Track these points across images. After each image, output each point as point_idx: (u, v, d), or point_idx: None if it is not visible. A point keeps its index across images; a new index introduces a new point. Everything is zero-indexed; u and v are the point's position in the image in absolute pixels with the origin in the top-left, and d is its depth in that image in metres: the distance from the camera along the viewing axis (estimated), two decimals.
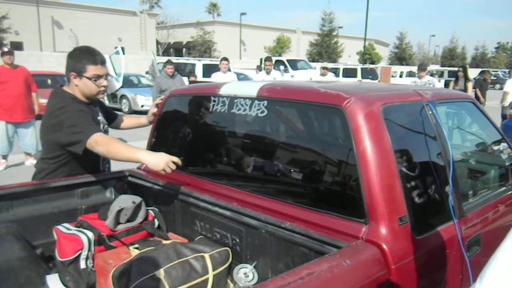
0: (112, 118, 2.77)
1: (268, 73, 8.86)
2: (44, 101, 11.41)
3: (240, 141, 2.15)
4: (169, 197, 2.34)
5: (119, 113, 2.96)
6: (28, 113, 7.04)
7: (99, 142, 2.15)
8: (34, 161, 7.25)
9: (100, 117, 2.54)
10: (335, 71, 24.16)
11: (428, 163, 1.85)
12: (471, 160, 2.38)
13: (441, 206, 1.83)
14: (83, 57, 2.34)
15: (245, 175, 2.11)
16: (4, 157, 7.15)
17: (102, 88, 2.41)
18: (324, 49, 50.50)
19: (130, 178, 2.63)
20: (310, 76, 17.83)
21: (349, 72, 24.44)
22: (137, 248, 2.06)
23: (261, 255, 1.88)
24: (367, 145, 1.60)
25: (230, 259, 1.97)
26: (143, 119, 2.81)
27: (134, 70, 23.01)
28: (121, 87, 11.54)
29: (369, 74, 24.34)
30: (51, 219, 2.28)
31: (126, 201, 2.22)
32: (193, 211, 2.19)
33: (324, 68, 10.85)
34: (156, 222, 2.42)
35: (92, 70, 2.33)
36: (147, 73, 19.43)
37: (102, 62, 2.37)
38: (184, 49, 52.04)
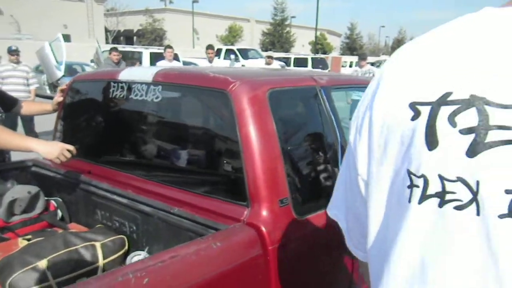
0: (10, 105, 2.63)
1: (210, 61, 8.77)
2: None
3: (136, 127, 2.12)
4: (72, 187, 2.27)
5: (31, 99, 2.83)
6: None
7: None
8: None
9: None
10: (286, 61, 24.39)
11: (317, 148, 1.89)
12: None
13: (327, 189, 1.88)
14: None
15: (141, 162, 2.08)
16: None
17: None
18: (277, 38, 50.75)
19: (34, 168, 2.53)
20: (257, 65, 17.89)
21: (300, 62, 24.72)
22: (29, 239, 1.98)
23: (155, 242, 1.87)
24: (250, 128, 1.61)
25: (126, 247, 1.94)
26: (48, 106, 2.69)
27: (80, 58, 22.13)
28: (63, 76, 11.06)
29: (319, 63, 24.74)
30: None
31: (21, 191, 2.13)
32: (94, 200, 2.14)
33: (269, 57, 10.95)
34: (60, 213, 2.35)
35: None
36: (91, 61, 18.75)
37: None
38: (135, 37, 50.61)
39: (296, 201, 1.66)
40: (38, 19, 36.25)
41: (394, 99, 0.70)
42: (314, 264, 1.71)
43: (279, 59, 24.10)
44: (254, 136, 1.61)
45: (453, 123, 0.62)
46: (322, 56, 31.42)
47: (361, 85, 2.44)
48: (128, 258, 1.88)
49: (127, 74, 2.12)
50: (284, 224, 1.60)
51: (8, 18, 36.17)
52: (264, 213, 1.57)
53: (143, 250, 1.89)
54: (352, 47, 62.65)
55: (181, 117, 1.93)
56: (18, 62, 7.42)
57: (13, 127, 5.68)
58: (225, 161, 1.72)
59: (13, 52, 7.34)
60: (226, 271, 1.38)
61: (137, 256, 1.87)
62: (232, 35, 51.15)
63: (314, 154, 1.88)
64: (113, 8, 49.40)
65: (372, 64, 23.42)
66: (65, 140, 2.51)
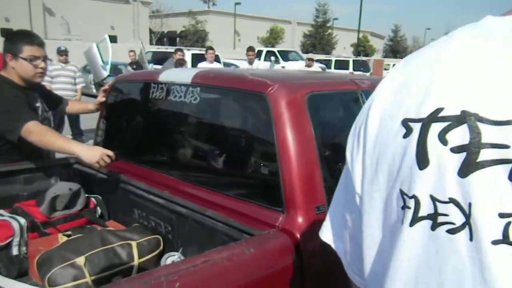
0: (56, 104, 2.72)
1: (250, 63, 8.80)
2: None
3: (174, 128, 2.13)
4: (111, 185, 2.32)
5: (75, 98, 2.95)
6: None
7: (33, 132, 2.11)
8: None
9: (39, 103, 2.49)
10: (327, 63, 24.14)
11: None
12: None
13: None
14: (19, 38, 2.29)
15: (177, 163, 2.09)
16: None
17: (40, 70, 2.34)
18: (318, 40, 50.34)
19: (76, 166, 2.60)
20: (296, 67, 17.78)
21: (341, 64, 24.41)
22: (69, 235, 2.03)
23: (190, 243, 1.87)
24: (287, 133, 1.58)
25: (161, 247, 1.95)
26: (91, 105, 2.76)
27: (125, 58, 22.80)
28: (109, 75, 11.43)
29: (361, 66, 24.33)
30: None
31: (63, 188, 2.19)
32: (132, 199, 2.17)
33: (309, 59, 10.81)
34: (99, 210, 2.40)
35: (28, 50, 2.27)
36: (137, 60, 19.26)
37: (40, 44, 2.32)
38: (178, 39, 51.67)
39: None
40: (87, 20, 37.69)
41: (387, 115, 0.66)
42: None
43: (319, 61, 23.89)
44: (291, 140, 1.57)
45: (444, 141, 0.58)
46: (364, 58, 30.87)
47: None
48: (163, 258, 1.89)
49: (167, 75, 2.14)
50: None
51: (59, 19, 37.85)
52: (300, 220, 1.53)
53: (178, 251, 1.90)
54: (395, 49, 61.25)
55: (218, 119, 1.92)
56: (66, 62, 7.71)
57: (60, 124, 5.90)
58: (261, 165, 1.70)
59: (61, 53, 7.65)
60: (259, 278, 1.35)
61: (172, 257, 1.88)
62: (273, 36, 51.20)
63: None
64: (158, 10, 50.68)
65: None
66: (106, 138, 2.57)
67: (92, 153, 2.05)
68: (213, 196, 1.81)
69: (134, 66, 9.45)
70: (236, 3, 46.35)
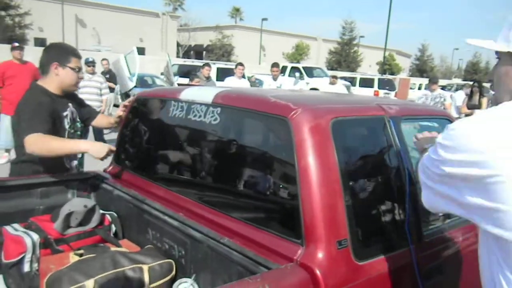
0: (89, 115, 2.81)
1: (274, 79, 8.75)
2: None
3: (192, 148, 2.07)
4: (127, 203, 2.27)
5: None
6: None
7: (33, 143, 2.16)
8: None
9: (68, 112, 2.52)
10: (352, 80, 23.93)
11: (382, 184, 1.72)
12: None
13: (394, 230, 1.70)
14: (67, 50, 2.53)
15: (194, 184, 2.02)
16: (7, 151, 7.21)
17: (79, 80, 2.58)
18: (343, 57, 50.12)
19: (93, 180, 2.56)
20: (323, 84, 17.64)
21: (366, 82, 24.16)
22: (81, 254, 1.98)
23: (203, 270, 1.79)
24: (309, 160, 1.49)
25: (173, 272, 1.88)
26: (112, 120, 2.77)
27: (153, 70, 23.17)
28: (135, 86, 11.60)
29: (386, 84, 24.02)
30: (5, 218, 2.22)
31: (78, 204, 2.15)
32: (146, 219, 2.11)
33: (333, 76, 10.73)
34: (114, 227, 2.35)
35: (75, 61, 2.50)
36: (162, 74, 19.56)
37: (81, 57, 2.59)
38: (204, 52, 52.33)
39: (356, 243, 1.51)
40: (117, 32, 38.62)
41: None
42: None
43: (344, 78, 23.68)
44: (313, 168, 1.48)
45: None
46: (390, 77, 30.52)
47: (435, 116, 2.24)
48: (175, 284, 1.81)
49: (188, 93, 2.09)
50: (342, 268, 1.45)
51: (90, 30, 38.90)
52: (320, 254, 1.43)
53: (190, 278, 1.82)
54: (422, 69, 60.42)
55: (238, 142, 1.85)
56: (93, 73, 7.83)
57: (85, 133, 6.00)
58: (281, 194, 1.61)
59: (89, 64, 7.78)
60: None
61: (184, 283, 1.80)
62: (299, 52, 51.28)
63: (379, 191, 1.71)
64: (186, 24, 51.53)
65: (443, 87, 22.31)
66: (124, 153, 2.53)
67: (99, 148, 2.22)
68: (230, 222, 1.73)
69: (107, 76, 9.49)
70: (263, 19, 46.74)
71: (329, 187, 1.49)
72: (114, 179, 2.46)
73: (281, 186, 1.61)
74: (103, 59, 10.58)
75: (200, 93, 2.04)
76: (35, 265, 2.02)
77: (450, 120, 2.24)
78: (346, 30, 50.96)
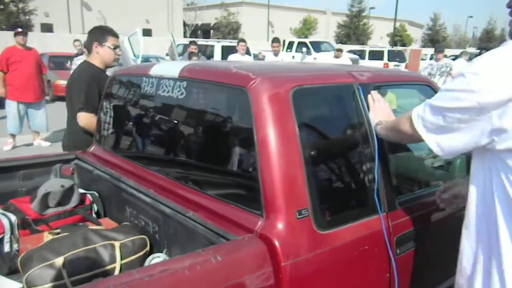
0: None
1: (276, 54, 8.63)
2: (62, 82, 11.48)
3: (161, 124, 2.05)
4: (105, 182, 2.27)
5: None
6: (39, 93, 7.18)
7: (84, 119, 2.75)
8: (42, 142, 7.41)
9: None
10: (361, 53, 23.50)
11: (349, 152, 1.69)
12: (413, 151, 2.17)
13: (362, 198, 1.68)
14: (105, 31, 2.96)
15: (164, 160, 2.01)
16: (13, 136, 7.30)
17: (117, 56, 3.00)
18: (353, 30, 49.16)
19: (77, 161, 2.58)
20: (327, 58, 17.34)
21: (376, 55, 23.70)
22: (58, 233, 2.00)
23: (174, 244, 1.79)
24: (268, 131, 1.46)
25: (147, 248, 1.88)
26: None
27: (159, 51, 23.08)
28: None
29: (396, 56, 23.55)
30: None
31: (55, 184, 2.17)
32: (124, 197, 2.12)
33: (338, 50, 10.51)
34: (96, 207, 2.37)
35: (111, 40, 2.92)
36: (167, 54, 19.49)
37: (117, 36, 3.01)
38: (211, 31, 51.84)
39: (318, 212, 1.49)
40: (122, 14, 38.39)
41: None
42: (335, 286, 1.52)
43: (353, 51, 23.27)
44: (272, 139, 1.45)
45: None
46: (400, 48, 29.89)
47: (413, 82, 2.17)
48: (147, 260, 1.82)
49: (157, 69, 2.06)
50: (302, 238, 1.43)
51: (96, 13, 38.75)
52: (280, 225, 1.42)
53: (163, 252, 1.82)
54: (434, 39, 59.00)
55: (201, 116, 1.82)
56: None
57: None
58: (242, 166, 1.59)
59: None
60: None
61: (156, 258, 1.81)
62: (306, 27, 50.44)
63: (344, 161, 1.68)
64: (193, 2, 50.96)
65: (455, 57, 21.77)
66: (102, 132, 2.53)
67: None
68: (196, 195, 1.72)
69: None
70: None
71: (288, 157, 1.46)
72: (95, 159, 2.46)
73: (242, 158, 1.59)
74: (75, 40, 10.31)
75: (168, 68, 2.00)
76: (15, 245, 2.04)
77: (430, 86, 2.17)
78: (355, 1, 49.84)
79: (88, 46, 2.99)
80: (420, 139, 1.34)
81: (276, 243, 1.38)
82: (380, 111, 1.71)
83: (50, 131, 7.77)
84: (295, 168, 1.46)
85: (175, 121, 1.95)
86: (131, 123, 2.29)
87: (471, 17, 72.28)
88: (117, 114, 2.37)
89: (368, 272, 1.64)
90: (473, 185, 1.30)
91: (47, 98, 7.81)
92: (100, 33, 2.95)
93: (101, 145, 2.52)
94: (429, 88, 2.15)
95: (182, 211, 1.67)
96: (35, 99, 7.12)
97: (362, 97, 1.73)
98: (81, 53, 9.70)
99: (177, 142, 1.95)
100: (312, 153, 1.53)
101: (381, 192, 1.69)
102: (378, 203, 1.66)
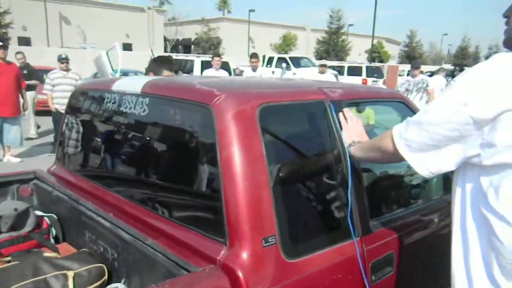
0: None
1: (254, 70, 8.57)
2: (39, 96, 11.13)
3: (122, 143, 1.92)
4: (65, 204, 2.12)
5: None
6: (15, 109, 6.98)
7: None
8: (12, 158, 7.14)
9: None
10: (340, 69, 23.75)
11: (320, 174, 1.59)
12: (388, 170, 2.10)
13: (334, 223, 1.58)
14: (161, 64, 2.94)
15: (125, 181, 1.88)
16: None
17: None
18: (332, 47, 49.85)
19: (36, 181, 2.41)
20: (309, 73, 17.45)
21: (354, 70, 24.02)
22: (9, 261, 1.84)
23: (134, 273, 1.66)
24: (232, 150, 1.35)
25: (105, 277, 1.73)
26: None
27: (140, 66, 22.89)
28: None
29: (374, 72, 23.92)
30: None
31: (7, 207, 2.01)
32: (82, 220, 1.97)
33: (322, 65, 10.53)
34: (54, 231, 2.21)
35: (165, 73, 2.89)
36: (146, 69, 19.30)
37: (175, 71, 3.00)
38: (192, 46, 51.86)
39: (287, 239, 1.38)
40: (102, 28, 38.09)
41: None
42: None
43: (332, 67, 23.47)
44: (235, 160, 1.35)
45: None
46: (378, 64, 30.40)
47: (387, 99, 2.10)
48: None
49: (119, 84, 1.94)
50: (268, 268, 1.32)
51: (75, 28, 38.33)
52: (244, 254, 1.30)
53: (121, 282, 1.68)
54: (411, 55, 60.25)
55: (163, 135, 1.70)
56: (67, 70, 7.61)
57: None
58: (205, 189, 1.48)
59: (62, 60, 7.55)
60: None
61: None
62: (286, 43, 50.93)
63: (315, 183, 1.58)
64: (174, 17, 50.96)
65: (432, 73, 22.13)
66: (63, 150, 2.38)
67: None
68: (157, 220, 1.59)
69: (25, 71, 9.09)
70: (250, 10, 46.32)
71: (253, 180, 1.35)
72: (55, 179, 2.31)
73: (205, 180, 1.47)
74: (18, 53, 9.97)
75: (131, 83, 1.89)
76: None
77: (405, 102, 2.11)
78: (333, 18, 50.66)
79: (146, 73, 3.09)
80: (402, 159, 1.26)
81: (240, 274, 1.26)
82: (352, 130, 1.63)
83: (24, 146, 7.52)
84: (261, 191, 1.36)
85: (137, 140, 1.82)
86: (91, 141, 2.15)
87: (446, 34, 73.95)
88: (78, 131, 2.23)
89: None
90: (453, 202, 1.26)
91: (24, 113, 7.55)
92: (157, 65, 3.01)
93: (62, 163, 2.37)
94: (403, 105, 2.08)
95: (141, 238, 1.54)
96: (11, 114, 6.91)
97: (334, 115, 1.65)
98: (25, 66, 9.31)
99: (138, 163, 1.82)
100: (280, 174, 1.43)
101: (354, 215, 1.59)
102: (351, 227, 1.56)
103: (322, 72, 10.28)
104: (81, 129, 2.22)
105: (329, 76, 10.77)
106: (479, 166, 1.09)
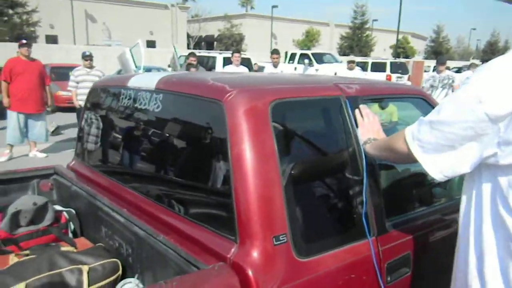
0: None
1: (275, 66, 8.53)
2: (63, 93, 11.39)
3: (138, 139, 1.92)
4: (83, 199, 2.15)
5: None
6: (40, 105, 7.14)
7: None
8: (38, 153, 7.32)
9: None
10: (364, 65, 23.42)
11: (334, 171, 1.55)
12: (407, 168, 2.03)
13: (348, 222, 1.54)
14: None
15: (140, 177, 1.89)
16: (10, 147, 7.21)
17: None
18: (355, 42, 49.22)
19: (55, 176, 2.46)
20: (336, 70, 17.23)
21: (378, 66, 23.61)
22: (27, 254, 1.87)
23: (147, 269, 1.66)
24: (243, 147, 1.34)
25: (119, 272, 1.75)
26: None
27: (163, 63, 23.16)
28: None
29: (399, 68, 23.46)
30: None
31: (26, 202, 2.04)
32: (99, 215, 1.99)
33: (350, 62, 10.41)
34: (73, 226, 2.24)
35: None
36: (169, 66, 19.51)
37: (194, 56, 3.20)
38: (215, 43, 52.05)
39: (299, 238, 1.35)
40: (127, 26, 38.64)
41: None
42: None
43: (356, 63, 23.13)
44: (247, 156, 1.33)
45: None
46: (403, 60, 29.83)
47: (406, 95, 2.04)
48: (118, 285, 1.68)
49: (135, 80, 1.95)
50: (279, 267, 1.30)
51: (100, 25, 39.02)
52: (255, 252, 1.28)
53: (134, 277, 1.69)
54: (437, 51, 58.96)
55: (176, 131, 1.69)
56: (91, 67, 7.72)
57: None
58: (216, 186, 1.46)
59: (86, 57, 7.67)
60: None
61: (128, 284, 1.67)
62: (309, 39, 50.55)
63: (329, 181, 1.55)
64: (197, 14, 51.25)
65: (458, 69, 21.54)
66: (82, 146, 2.41)
67: None
68: (170, 216, 1.59)
69: None
70: (273, 6, 46.13)
71: (265, 177, 1.33)
72: (74, 174, 2.34)
73: (216, 177, 1.46)
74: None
75: (145, 80, 1.89)
76: None
77: (425, 99, 2.05)
78: (357, 14, 49.98)
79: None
80: (415, 161, 1.21)
81: (250, 273, 1.24)
82: (369, 127, 1.58)
83: (49, 141, 7.70)
84: (273, 188, 1.34)
85: (150, 137, 1.83)
86: (107, 137, 2.17)
87: (474, 29, 72.10)
88: (95, 127, 2.26)
89: None
90: (463, 202, 1.22)
91: (48, 109, 7.72)
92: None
93: (80, 159, 2.40)
94: (423, 102, 2.02)
95: (154, 234, 1.54)
96: (36, 110, 7.08)
97: (350, 112, 1.61)
98: None
99: (152, 159, 1.83)
100: (293, 172, 1.40)
101: (370, 214, 1.55)
102: (366, 226, 1.52)
103: (350, 69, 10.16)
104: (98, 125, 2.24)
105: (358, 72, 10.63)
106: (495, 166, 1.04)
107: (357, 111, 1.62)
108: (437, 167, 1.14)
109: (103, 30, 39.14)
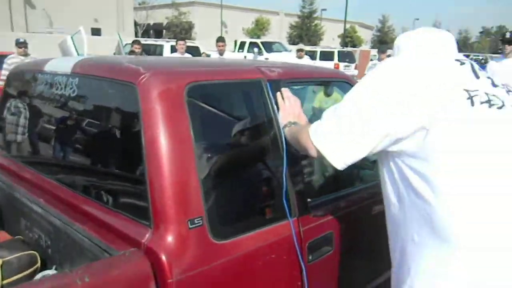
0: None
1: (221, 54, 8.47)
2: (1, 83, 11.00)
3: (53, 125, 1.85)
4: (2, 191, 2.03)
5: None
6: None
7: None
8: None
9: None
10: (312, 54, 23.76)
11: (252, 154, 1.56)
12: None
13: (268, 203, 1.56)
14: None
15: (55, 165, 1.82)
16: None
17: None
18: (304, 31, 49.81)
19: None
20: (285, 58, 17.40)
21: (326, 55, 24.05)
22: None
23: (65, 259, 1.60)
24: (156, 131, 1.31)
25: (37, 265, 1.67)
26: None
27: (108, 51, 22.32)
28: None
29: (346, 57, 24.04)
30: None
31: None
32: (17, 207, 1.90)
33: (299, 50, 10.53)
34: None
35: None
36: (114, 54, 18.91)
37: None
38: (164, 31, 50.86)
39: (215, 220, 1.35)
40: (69, 13, 36.85)
41: None
42: None
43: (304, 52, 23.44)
44: (161, 140, 1.30)
45: None
46: (350, 49, 30.59)
47: (330, 78, 2.08)
48: (36, 277, 1.62)
49: (51, 65, 1.86)
50: (195, 250, 1.29)
51: (40, 12, 36.97)
52: (169, 237, 1.27)
53: (54, 269, 1.63)
54: (383, 40, 60.84)
55: (90, 116, 1.63)
56: (26, 55, 7.32)
57: None
58: (131, 171, 1.43)
59: (20, 45, 7.26)
60: None
61: (44, 275, 1.61)
62: (259, 28, 50.56)
63: (248, 163, 1.56)
64: (144, 1, 49.74)
65: None
66: (1, 136, 2.29)
67: None
68: (86, 204, 1.54)
69: None
70: None
71: (179, 161, 1.31)
72: None
73: (131, 162, 1.42)
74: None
75: (62, 64, 1.81)
76: None
77: (349, 83, 2.10)
78: (306, 3, 50.51)
79: None
80: (314, 155, 1.26)
81: (163, 257, 1.23)
82: (290, 110, 1.59)
83: None
84: (188, 172, 1.32)
85: (66, 123, 1.75)
86: (24, 126, 2.07)
87: (417, 19, 74.91)
88: (12, 114, 2.14)
89: (277, 282, 1.52)
90: (384, 187, 1.31)
91: None
92: None
93: (1, 150, 2.27)
94: (348, 85, 2.06)
95: (69, 223, 1.49)
96: None
97: (271, 95, 1.61)
98: None
99: (67, 145, 1.76)
100: (209, 155, 1.40)
101: (291, 196, 1.58)
102: (287, 207, 1.54)
103: (299, 57, 10.28)
104: (15, 113, 2.13)
105: (307, 61, 10.77)
106: (392, 152, 1.15)
107: (278, 94, 1.63)
108: (337, 154, 1.20)
109: (43, 17, 37.12)
